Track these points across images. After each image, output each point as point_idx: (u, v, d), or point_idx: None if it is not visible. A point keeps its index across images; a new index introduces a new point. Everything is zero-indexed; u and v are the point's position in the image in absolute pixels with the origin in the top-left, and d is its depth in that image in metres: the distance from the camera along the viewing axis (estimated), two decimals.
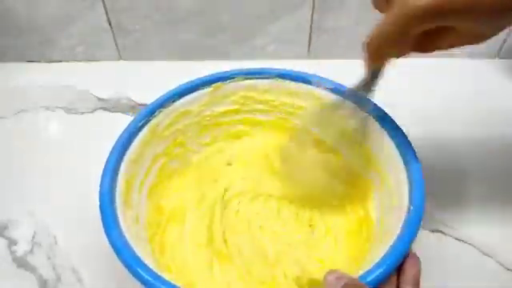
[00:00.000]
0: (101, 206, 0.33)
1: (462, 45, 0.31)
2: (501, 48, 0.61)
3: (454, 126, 0.53)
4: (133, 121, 0.39)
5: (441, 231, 0.43)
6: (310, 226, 0.41)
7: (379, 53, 0.31)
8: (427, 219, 0.44)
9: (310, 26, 0.59)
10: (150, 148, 0.40)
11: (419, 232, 0.43)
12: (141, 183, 0.39)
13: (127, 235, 0.32)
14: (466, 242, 0.42)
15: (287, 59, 0.62)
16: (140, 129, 0.39)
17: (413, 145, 0.36)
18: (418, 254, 0.33)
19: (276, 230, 0.40)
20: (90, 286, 0.40)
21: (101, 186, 0.34)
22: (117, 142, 0.37)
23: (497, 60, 0.62)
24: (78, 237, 0.42)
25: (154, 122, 0.40)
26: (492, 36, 0.30)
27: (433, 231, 0.43)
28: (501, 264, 0.41)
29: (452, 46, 0.31)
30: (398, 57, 0.31)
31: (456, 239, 0.42)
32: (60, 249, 0.43)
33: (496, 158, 0.49)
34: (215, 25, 0.59)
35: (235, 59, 0.62)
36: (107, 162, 0.36)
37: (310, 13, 0.58)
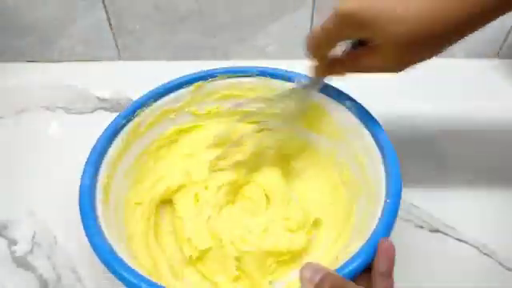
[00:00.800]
0: (80, 208, 0.33)
1: (378, 69, 0.33)
2: (501, 48, 0.61)
3: (454, 125, 0.53)
4: (114, 120, 0.39)
5: (441, 231, 0.43)
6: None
7: (316, 49, 0.35)
8: (426, 219, 0.44)
9: (310, 26, 0.59)
10: (131, 147, 0.41)
11: (419, 232, 0.43)
12: (121, 183, 0.39)
13: (107, 235, 0.32)
14: (466, 242, 0.42)
15: (287, 59, 0.62)
16: (122, 128, 0.39)
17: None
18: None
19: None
20: (90, 286, 0.40)
21: (81, 185, 0.34)
22: (97, 142, 0.37)
23: (497, 60, 0.62)
24: (78, 237, 0.42)
25: (135, 120, 0.40)
26: (397, 69, 0.33)
27: (433, 231, 0.43)
28: (501, 264, 0.41)
29: (370, 68, 0.34)
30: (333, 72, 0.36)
31: (456, 239, 0.42)
32: (60, 249, 0.43)
33: (496, 158, 0.49)
34: (215, 25, 0.59)
35: (235, 59, 0.62)
36: (88, 161, 0.36)
37: (310, 13, 0.58)
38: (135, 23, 0.59)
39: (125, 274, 0.29)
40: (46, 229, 0.44)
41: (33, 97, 0.58)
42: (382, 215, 0.32)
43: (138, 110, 0.41)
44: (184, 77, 0.43)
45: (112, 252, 0.31)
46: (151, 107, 0.41)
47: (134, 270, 0.30)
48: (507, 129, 0.53)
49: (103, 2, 0.57)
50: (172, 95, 0.42)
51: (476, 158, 0.49)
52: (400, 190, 0.33)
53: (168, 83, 0.42)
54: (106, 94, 0.58)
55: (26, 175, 0.49)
